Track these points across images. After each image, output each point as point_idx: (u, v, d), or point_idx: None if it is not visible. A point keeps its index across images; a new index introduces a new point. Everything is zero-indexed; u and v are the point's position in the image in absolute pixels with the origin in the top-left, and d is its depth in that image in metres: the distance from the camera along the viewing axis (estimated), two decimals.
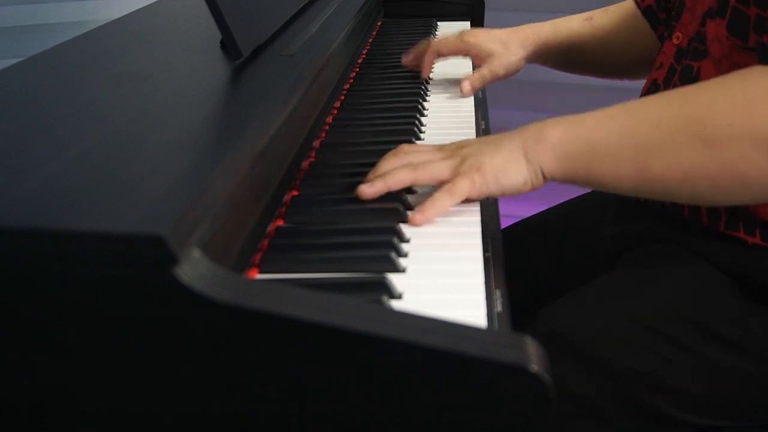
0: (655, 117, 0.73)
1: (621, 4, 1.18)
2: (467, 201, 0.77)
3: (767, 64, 0.73)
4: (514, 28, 1.20)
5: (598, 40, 1.18)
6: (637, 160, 0.73)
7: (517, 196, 0.77)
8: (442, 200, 0.75)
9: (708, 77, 0.85)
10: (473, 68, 1.22)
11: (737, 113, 0.69)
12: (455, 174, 0.76)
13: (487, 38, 1.18)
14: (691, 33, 0.91)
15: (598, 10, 1.20)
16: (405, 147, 0.82)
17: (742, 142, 0.69)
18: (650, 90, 0.98)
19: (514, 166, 0.76)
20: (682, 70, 0.91)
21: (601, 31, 1.18)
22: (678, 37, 0.94)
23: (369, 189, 0.77)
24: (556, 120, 0.76)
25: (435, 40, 1.22)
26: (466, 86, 1.14)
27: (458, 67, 1.25)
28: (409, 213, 0.77)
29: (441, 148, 0.81)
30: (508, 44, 1.17)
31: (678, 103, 0.73)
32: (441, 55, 1.20)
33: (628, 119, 0.74)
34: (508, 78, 1.19)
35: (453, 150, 0.80)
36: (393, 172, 0.78)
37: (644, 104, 0.78)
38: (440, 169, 0.77)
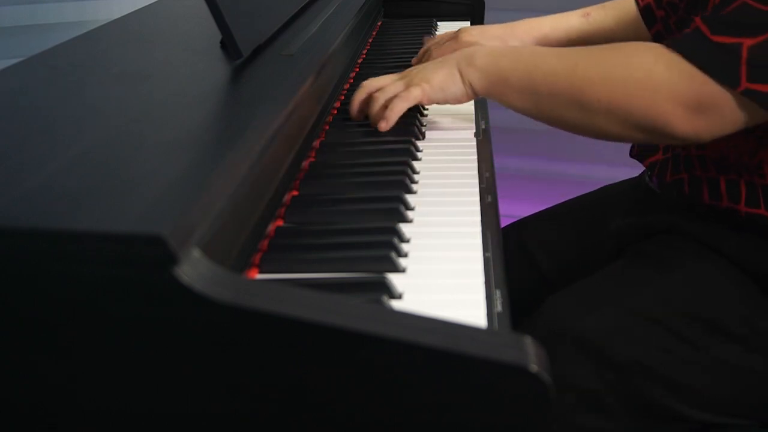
0: (553, 73, 0.89)
1: (619, 1, 1.18)
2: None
3: (671, 47, 0.82)
4: (512, 23, 1.20)
5: (595, 37, 1.18)
6: (534, 100, 0.91)
7: (457, 103, 0.96)
8: (398, 104, 0.94)
9: None
10: None
11: (606, 91, 0.85)
12: (407, 86, 0.96)
13: (483, 36, 1.18)
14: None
15: (595, 6, 1.20)
16: (365, 82, 1.00)
17: (606, 115, 0.86)
18: None
19: (452, 80, 0.95)
20: None
21: (599, 28, 1.18)
22: None
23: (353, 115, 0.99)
24: (486, 51, 0.95)
25: (432, 43, 1.22)
26: None
27: None
28: (409, 213, 0.77)
29: (396, 75, 1.00)
30: (505, 40, 1.18)
31: (572, 66, 0.88)
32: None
33: (534, 68, 0.91)
34: None
35: (403, 74, 0.99)
36: (371, 117, 0.97)
37: (551, 57, 0.92)
38: (396, 88, 0.96)
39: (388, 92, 0.96)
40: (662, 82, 0.82)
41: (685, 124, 0.82)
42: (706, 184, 0.91)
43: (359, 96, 0.98)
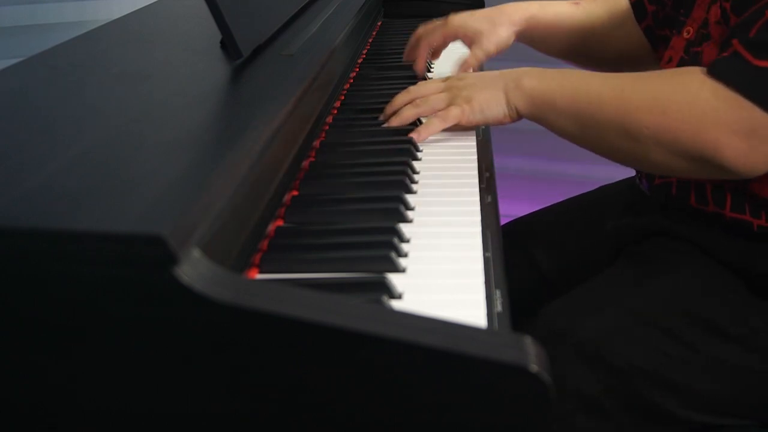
0: (599, 98, 0.87)
1: None
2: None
3: (711, 74, 0.80)
4: (499, 6, 1.19)
5: (584, 25, 1.18)
6: (580, 127, 0.89)
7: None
8: (435, 123, 0.95)
9: (711, 58, 0.86)
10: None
11: (654, 118, 0.83)
12: (449, 104, 0.95)
13: (472, 19, 1.17)
14: (700, 23, 0.92)
15: None
16: (411, 88, 0.99)
17: (652, 142, 0.83)
18: None
19: (496, 102, 0.93)
20: (690, 58, 0.92)
21: (588, 17, 1.18)
22: (688, 32, 0.94)
23: (389, 123, 0.98)
24: (534, 73, 0.93)
25: (422, 30, 1.20)
26: (464, 68, 1.13)
27: (457, 64, 1.24)
28: (409, 213, 0.77)
29: (445, 80, 0.99)
30: (494, 21, 1.17)
31: (618, 91, 0.86)
32: (432, 46, 1.20)
33: (581, 93, 0.89)
34: (500, 54, 1.18)
35: (450, 84, 0.98)
36: (401, 112, 0.97)
37: (597, 81, 0.90)
38: (438, 101, 0.96)
39: (429, 103, 0.96)
40: (709, 109, 0.79)
41: (736, 152, 0.79)
42: (693, 188, 0.91)
43: (403, 99, 0.98)
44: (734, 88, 0.78)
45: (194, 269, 0.50)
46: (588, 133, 0.88)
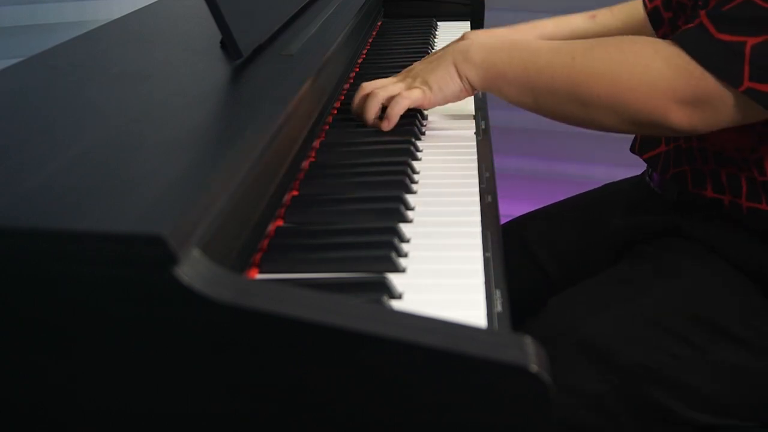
0: (550, 69, 0.89)
1: (627, 3, 1.18)
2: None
3: (674, 41, 0.82)
4: (515, 25, 1.20)
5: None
6: (533, 96, 0.91)
7: (454, 99, 0.97)
8: (399, 102, 0.95)
9: None
10: None
11: (605, 86, 0.85)
12: (408, 88, 0.96)
13: (488, 38, 1.17)
14: None
15: (602, 9, 1.20)
16: (364, 83, 1.00)
17: (604, 109, 0.86)
18: None
19: (450, 79, 0.95)
20: None
21: (605, 29, 1.18)
22: None
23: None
24: (480, 44, 0.94)
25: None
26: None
27: None
28: (409, 213, 0.77)
29: (395, 76, 1.01)
30: None
31: (569, 60, 0.88)
32: None
33: (530, 62, 0.90)
34: None
35: (403, 75, 1.00)
36: (365, 108, 0.97)
37: (546, 52, 0.91)
38: (395, 89, 0.97)
39: (388, 91, 0.96)
40: (660, 78, 0.82)
41: (682, 117, 0.83)
42: (709, 176, 0.91)
43: (360, 93, 0.99)
44: (693, 56, 0.80)
45: (194, 269, 0.50)
46: (541, 101, 0.90)
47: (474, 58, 0.93)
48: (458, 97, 0.96)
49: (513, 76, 0.91)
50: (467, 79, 0.94)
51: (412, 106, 0.96)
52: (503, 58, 0.92)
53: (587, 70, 0.87)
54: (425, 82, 0.96)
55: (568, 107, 0.88)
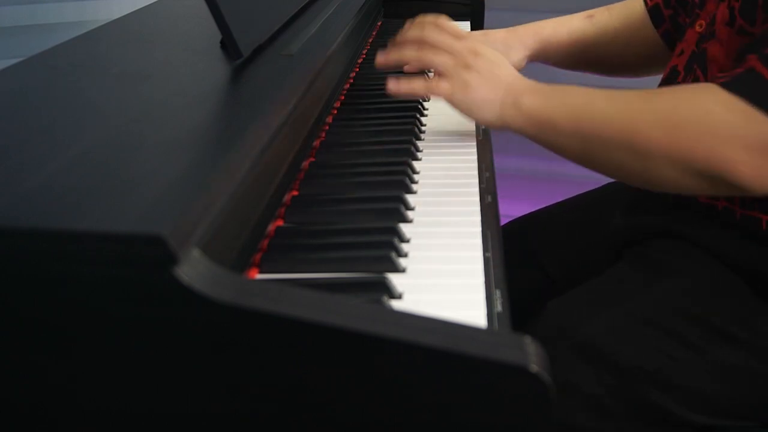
0: (605, 115, 0.83)
1: (624, 2, 1.18)
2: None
3: (726, 88, 0.77)
4: (514, 27, 1.19)
5: (599, 37, 1.18)
6: (584, 147, 0.84)
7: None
8: (419, 85, 0.91)
9: (714, 58, 0.86)
10: None
11: (664, 135, 0.79)
12: (446, 75, 0.90)
13: (487, 39, 1.17)
14: (710, 18, 0.92)
15: (600, 8, 1.20)
16: (428, 29, 0.94)
17: (663, 160, 0.79)
18: (669, 77, 0.98)
19: (488, 109, 0.89)
20: (699, 53, 0.92)
21: (603, 28, 1.18)
22: (701, 25, 0.94)
23: (381, 58, 0.95)
24: (533, 90, 0.88)
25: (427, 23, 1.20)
26: None
27: None
28: (409, 213, 0.77)
29: (462, 38, 0.93)
30: (508, 44, 1.17)
31: (625, 109, 0.83)
32: None
33: (585, 111, 0.85)
34: None
35: (466, 52, 0.91)
36: (403, 47, 0.93)
37: (601, 98, 0.85)
38: (441, 63, 0.91)
39: (432, 58, 0.92)
40: (722, 125, 0.77)
41: (751, 169, 0.76)
42: None
43: (414, 34, 0.95)
44: (750, 102, 0.75)
45: (194, 269, 0.50)
46: (592, 152, 0.84)
47: (525, 105, 0.87)
48: (480, 123, 0.91)
49: (564, 125, 0.85)
50: (506, 122, 0.88)
51: (432, 97, 0.92)
52: (555, 105, 0.86)
53: (644, 116, 0.81)
54: (466, 86, 0.90)
55: (622, 158, 0.82)
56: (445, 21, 0.99)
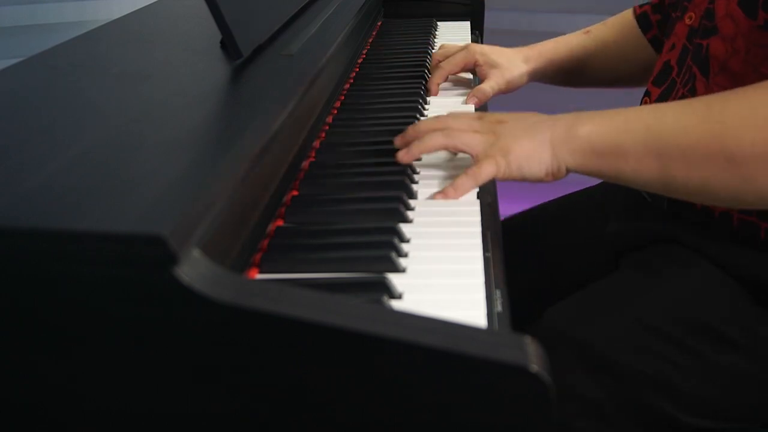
0: (681, 125, 0.74)
1: (620, 14, 1.21)
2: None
3: None
4: (519, 48, 1.21)
5: (597, 51, 1.20)
6: (660, 165, 0.75)
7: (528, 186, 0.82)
8: (466, 184, 0.80)
9: (717, 55, 0.86)
10: (473, 73, 1.22)
11: (760, 132, 0.70)
12: (484, 153, 0.80)
13: (492, 51, 1.19)
14: (702, 11, 0.91)
15: (596, 24, 1.22)
16: (442, 116, 0.86)
17: (764, 161, 0.70)
18: (662, 72, 0.98)
19: (538, 157, 0.78)
20: (693, 50, 0.92)
21: (600, 42, 1.20)
22: (690, 17, 0.94)
23: (406, 155, 0.83)
24: (587, 116, 0.79)
25: (442, 60, 1.19)
26: (472, 101, 1.12)
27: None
28: (409, 213, 0.77)
29: (480, 117, 0.85)
30: (512, 58, 1.18)
31: (703, 113, 0.74)
32: (452, 73, 1.19)
33: (656, 124, 0.76)
34: (510, 92, 1.19)
35: (490, 125, 0.83)
36: (428, 136, 0.83)
37: (672, 109, 0.78)
38: (473, 142, 0.81)
39: (463, 140, 0.82)
40: None
41: None
42: None
43: (431, 125, 0.85)
44: None
45: (194, 269, 0.50)
46: (673, 171, 0.74)
47: (582, 133, 0.77)
48: (539, 180, 0.80)
49: (633, 148, 0.75)
50: (563, 163, 0.78)
51: (479, 185, 0.80)
52: (619, 127, 0.77)
53: (732, 119, 0.72)
54: (506, 152, 0.79)
55: (710, 169, 0.72)
56: (460, 113, 0.91)
